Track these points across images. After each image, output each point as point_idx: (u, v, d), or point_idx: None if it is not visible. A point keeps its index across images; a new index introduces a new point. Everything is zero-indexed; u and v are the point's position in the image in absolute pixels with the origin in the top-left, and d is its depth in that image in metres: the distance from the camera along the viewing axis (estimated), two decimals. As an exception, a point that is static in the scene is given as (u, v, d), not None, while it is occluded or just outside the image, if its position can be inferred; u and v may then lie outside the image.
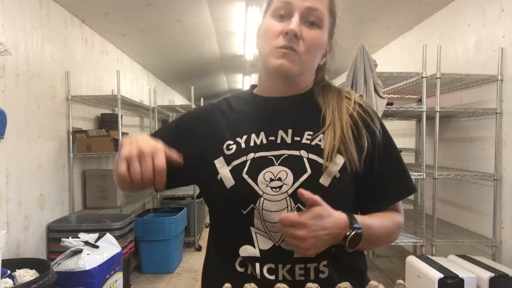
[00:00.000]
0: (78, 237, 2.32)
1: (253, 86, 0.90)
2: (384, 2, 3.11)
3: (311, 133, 0.78)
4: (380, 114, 2.51)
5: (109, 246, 2.42)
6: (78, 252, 2.21)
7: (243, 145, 0.78)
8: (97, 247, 2.30)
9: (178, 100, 8.23)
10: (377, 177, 0.79)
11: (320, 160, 0.75)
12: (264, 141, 0.78)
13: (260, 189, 0.73)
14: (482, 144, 2.66)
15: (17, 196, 2.32)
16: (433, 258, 2.39)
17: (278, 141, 0.78)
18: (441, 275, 2.09)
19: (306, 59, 0.76)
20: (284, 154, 0.76)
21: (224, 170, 0.76)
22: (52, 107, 2.78)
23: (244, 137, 0.79)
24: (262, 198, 0.73)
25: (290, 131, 0.78)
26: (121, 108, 3.25)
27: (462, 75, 2.55)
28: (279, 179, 0.73)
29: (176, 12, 3.49)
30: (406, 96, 3.48)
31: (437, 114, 2.54)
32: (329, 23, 0.80)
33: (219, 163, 0.77)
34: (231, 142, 0.79)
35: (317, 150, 0.76)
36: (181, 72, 6.26)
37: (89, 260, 2.17)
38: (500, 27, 2.46)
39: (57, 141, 2.86)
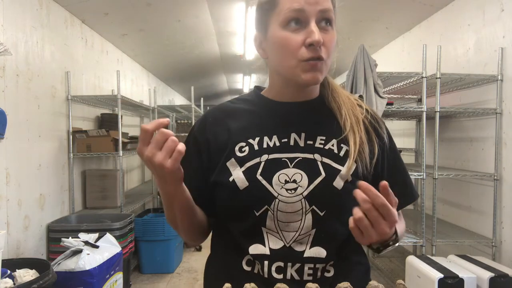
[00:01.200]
0: (78, 237, 2.32)
1: (259, 88, 0.89)
2: (384, 2, 3.11)
3: (324, 138, 0.78)
4: (380, 114, 2.51)
5: (109, 246, 2.42)
6: (78, 252, 2.21)
7: (256, 147, 0.77)
8: (97, 247, 2.31)
9: (178, 100, 8.23)
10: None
11: (333, 164, 0.76)
12: (277, 143, 0.78)
13: (275, 190, 0.74)
14: (482, 144, 2.66)
15: (17, 196, 2.32)
16: (433, 258, 2.39)
17: (291, 143, 0.78)
18: (441, 275, 2.09)
19: (329, 63, 0.76)
20: (298, 157, 0.76)
21: (237, 172, 0.75)
22: (52, 107, 2.78)
23: (257, 139, 0.78)
24: (277, 199, 0.73)
25: (303, 134, 0.79)
26: (121, 108, 3.26)
27: (462, 75, 2.55)
28: (294, 181, 0.74)
29: (176, 12, 3.49)
30: (406, 96, 3.48)
31: (437, 114, 2.54)
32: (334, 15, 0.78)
33: (231, 165, 0.77)
34: (243, 144, 0.78)
35: (331, 154, 0.77)
36: (181, 72, 6.26)
37: (89, 260, 2.17)
38: (500, 27, 2.46)
39: (57, 141, 2.86)
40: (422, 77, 2.58)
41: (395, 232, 0.68)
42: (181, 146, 0.63)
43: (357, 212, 0.62)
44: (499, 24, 2.46)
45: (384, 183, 0.61)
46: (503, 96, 2.45)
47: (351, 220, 0.63)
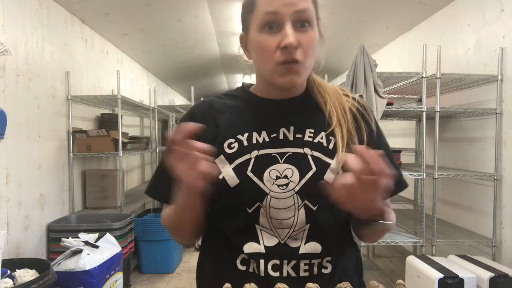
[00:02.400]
0: (78, 237, 2.32)
1: (246, 84, 0.89)
2: (384, 2, 3.11)
3: (313, 131, 0.78)
4: (380, 114, 2.51)
5: (109, 246, 2.42)
6: (78, 252, 2.21)
7: (245, 143, 0.77)
8: (97, 247, 2.31)
9: (178, 100, 8.22)
10: None
11: (323, 157, 0.76)
12: (267, 139, 0.77)
13: (267, 187, 0.73)
14: (482, 144, 2.66)
15: (17, 196, 2.32)
16: (433, 258, 2.39)
17: (281, 137, 0.77)
18: (441, 275, 2.09)
19: (307, 63, 0.75)
20: (288, 152, 0.76)
21: (226, 169, 0.75)
22: (52, 107, 2.78)
23: (246, 134, 0.78)
24: (269, 196, 0.73)
25: (292, 128, 0.78)
26: (121, 108, 3.25)
27: (462, 75, 2.55)
28: (285, 176, 0.74)
29: (176, 12, 3.49)
30: (406, 96, 3.48)
31: (437, 114, 2.54)
32: (315, 14, 0.76)
33: (221, 162, 0.76)
34: (232, 140, 0.77)
35: (320, 148, 0.77)
36: (181, 72, 6.26)
37: (89, 260, 2.17)
38: (500, 27, 2.46)
39: (57, 141, 2.86)
40: (422, 77, 2.58)
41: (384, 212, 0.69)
42: (215, 170, 0.64)
43: (346, 176, 0.60)
44: (499, 24, 2.46)
45: (382, 152, 0.59)
46: (503, 96, 2.45)
47: (337, 181, 0.61)
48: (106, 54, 3.89)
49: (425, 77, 2.57)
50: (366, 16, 3.43)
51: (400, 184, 0.82)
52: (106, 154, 3.18)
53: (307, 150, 0.76)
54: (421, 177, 2.64)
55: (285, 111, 0.81)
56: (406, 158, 3.50)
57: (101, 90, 3.73)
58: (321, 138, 0.78)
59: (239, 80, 7.94)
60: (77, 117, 3.21)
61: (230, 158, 0.76)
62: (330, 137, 0.78)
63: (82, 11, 3.11)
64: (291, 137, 0.77)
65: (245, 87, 0.88)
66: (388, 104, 2.60)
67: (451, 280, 2.08)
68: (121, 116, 3.28)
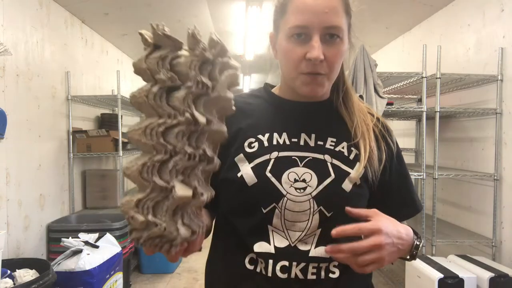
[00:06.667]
0: (78, 237, 2.32)
1: (268, 85, 0.90)
2: (384, 2, 3.11)
3: (334, 140, 0.79)
4: (380, 114, 2.51)
5: (109, 246, 2.42)
6: (78, 252, 2.21)
7: (265, 143, 0.77)
8: (97, 247, 2.31)
9: (178, 100, 8.22)
10: (387, 194, 0.81)
11: (343, 166, 0.76)
12: (287, 142, 0.78)
13: (284, 188, 0.73)
14: (482, 144, 2.65)
15: (17, 196, 2.32)
16: (433, 258, 2.39)
17: (301, 143, 0.78)
18: (441, 275, 2.09)
19: (332, 76, 0.76)
20: (309, 157, 0.76)
21: (245, 168, 0.75)
22: (52, 107, 2.78)
23: (266, 135, 0.78)
24: (285, 198, 0.73)
25: (313, 135, 0.79)
26: (121, 108, 3.25)
27: (462, 75, 2.55)
28: (304, 180, 0.74)
29: (176, 12, 3.49)
30: (406, 96, 3.48)
31: (437, 114, 2.54)
32: (347, 24, 0.77)
33: (240, 161, 0.76)
34: (253, 140, 0.78)
35: (341, 157, 0.77)
36: (181, 72, 6.25)
37: (89, 260, 2.17)
38: (500, 27, 2.46)
39: (57, 141, 2.86)
40: (422, 77, 2.58)
41: (417, 234, 0.72)
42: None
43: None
44: (499, 24, 2.46)
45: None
46: (503, 96, 2.45)
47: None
48: (106, 54, 3.89)
49: (425, 77, 2.57)
50: (366, 16, 3.43)
51: (416, 208, 0.85)
52: (106, 154, 3.18)
53: (327, 157, 0.76)
54: (421, 177, 2.64)
55: (307, 115, 0.81)
56: (406, 158, 3.47)
57: (101, 90, 3.73)
58: (342, 147, 0.78)
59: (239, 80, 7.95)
60: (77, 117, 3.22)
61: (250, 157, 0.76)
62: (352, 148, 0.78)
63: (82, 11, 3.11)
64: (312, 143, 0.78)
65: (267, 88, 0.89)
66: (388, 104, 2.60)
67: (451, 280, 2.08)
68: (121, 116, 3.28)
